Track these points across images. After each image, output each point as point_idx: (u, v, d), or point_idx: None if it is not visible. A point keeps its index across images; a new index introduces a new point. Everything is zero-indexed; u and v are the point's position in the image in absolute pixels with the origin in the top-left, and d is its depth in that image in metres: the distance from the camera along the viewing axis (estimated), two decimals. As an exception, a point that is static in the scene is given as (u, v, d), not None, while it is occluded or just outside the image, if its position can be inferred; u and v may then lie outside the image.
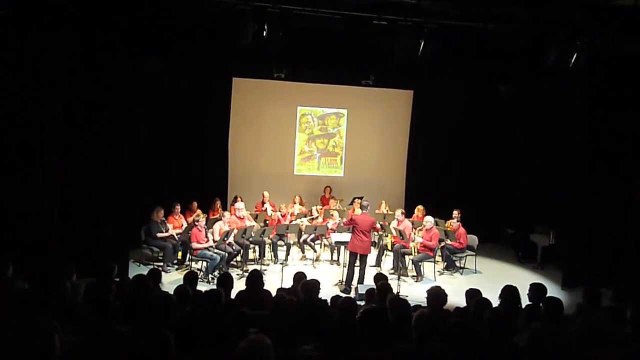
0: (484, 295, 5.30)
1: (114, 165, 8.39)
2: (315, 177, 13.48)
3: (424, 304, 5.29)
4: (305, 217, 11.33)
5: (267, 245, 10.40)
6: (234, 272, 9.19)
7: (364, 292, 7.10)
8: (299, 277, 6.23)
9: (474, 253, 10.51)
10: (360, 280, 8.76)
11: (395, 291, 6.89)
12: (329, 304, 5.69)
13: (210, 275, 9.01)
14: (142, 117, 9.82)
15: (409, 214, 11.23)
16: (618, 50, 7.97)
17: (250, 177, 12.92)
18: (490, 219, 12.16)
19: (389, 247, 10.33)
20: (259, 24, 7.44)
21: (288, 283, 6.50)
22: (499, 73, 9.79)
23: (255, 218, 10.86)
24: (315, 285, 5.53)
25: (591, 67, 8.10)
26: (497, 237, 12.36)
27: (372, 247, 11.54)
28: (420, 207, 11.33)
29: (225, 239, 9.45)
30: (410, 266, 9.95)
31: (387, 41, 7.92)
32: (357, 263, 8.85)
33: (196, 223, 9.45)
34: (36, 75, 7.03)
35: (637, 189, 8.56)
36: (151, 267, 8.93)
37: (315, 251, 10.74)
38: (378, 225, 9.93)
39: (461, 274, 10.30)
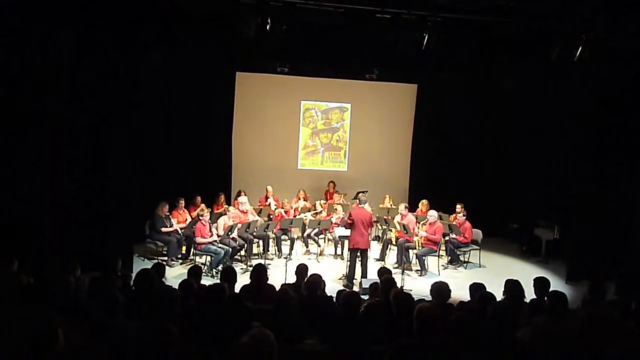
0: (488, 290, 5.29)
1: (118, 160, 8.40)
2: (319, 171, 13.47)
3: (428, 298, 5.29)
4: (309, 211, 11.34)
5: (271, 240, 10.41)
6: (238, 267, 9.21)
7: (367, 286, 7.10)
8: (302, 269, 6.24)
9: (478, 247, 10.49)
10: (364, 275, 8.77)
11: (399, 285, 6.90)
12: (334, 300, 5.70)
13: (214, 270, 9.02)
14: (146, 112, 9.82)
15: (412, 208, 11.21)
16: (624, 43, 7.92)
17: (254, 171, 12.93)
18: (495, 213, 12.13)
19: (393, 242, 10.32)
20: (261, 18, 7.43)
21: (292, 277, 6.51)
22: (503, 67, 9.76)
23: (259, 213, 10.87)
24: (317, 280, 5.54)
25: (596, 60, 8.06)
26: (501, 231, 12.33)
27: (376, 242, 11.64)
28: (424, 201, 11.29)
29: (230, 233, 9.46)
30: (414, 260, 9.95)
31: (391, 35, 7.90)
32: (358, 258, 8.84)
33: (200, 217, 9.46)
34: (38, 70, 7.03)
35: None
36: (155, 261, 8.96)
37: (319, 245, 10.74)
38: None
39: (465, 268, 10.28)
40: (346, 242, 9.70)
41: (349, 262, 8.92)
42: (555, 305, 4.69)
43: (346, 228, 8.92)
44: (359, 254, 8.80)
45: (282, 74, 11.55)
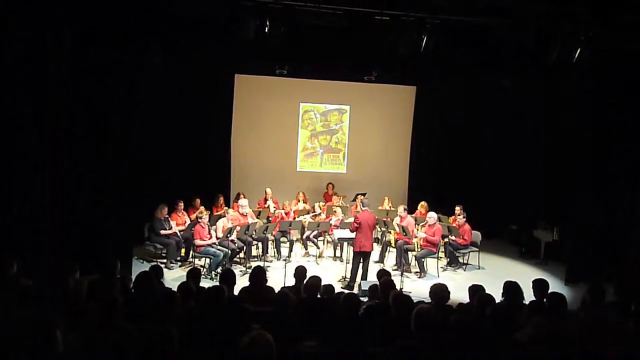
0: (487, 291, 5.29)
1: (117, 162, 8.39)
2: (318, 173, 13.48)
3: (427, 300, 5.29)
4: (308, 213, 11.34)
5: (270, 242, 10.41)
6: (237, 269, 9.20)
7: (367, 288, 7.10)
8: (300, 271, 6.24)
9: (477, 249, 10.49)
10: (364, 277, 8.77)
11: (398, 287, 6.90)
12: (333, 301, 5.69)
13: (213, 272, 9.02)
14: (145, 114, 9.82)
15: (411, 210, 11.22)
16: (622, 44, 7.92)
17: (253, 173, 12.94)
18: (493, 215, 12.14)
19: (392, 244, 10.32)
20: (261, 20, 7.43)
21: (291, 279, 6.52)
22: (501, 68, 9.76)
23: (258, 215, 10.86)
24: (317, 282, 5.54)
25: (595, 61, 8.06)
26: (501, 233, 12.34)
27: (375, 244, 11.63)
28: (423, 203, 11.30)
29: (229, 235, 9.46)
30: (413, 262, 9.95)
31: (390, 37, 7.90)
32: (361, 260, 8.84)
33: (199, 220, 9.46)
34: (38, 72, 7.02)
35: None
36: (154, 264, 8.95)
37: (318, 247, 10.74)
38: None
39: (464, 270, 10.29)
40: (345, 244, 9.71)
41: (352, 265, 8.90)
42: (554, 307, 4.69)
43: (352, 231, 8.91)
44: (362, 257, 8.81)
45: (281, 76, 11.55)
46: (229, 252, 9.35)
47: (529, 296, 5.46)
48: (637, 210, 8.53)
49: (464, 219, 10.40)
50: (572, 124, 10.20)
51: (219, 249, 9.25)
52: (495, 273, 9.95)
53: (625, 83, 8.68)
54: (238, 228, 9.61)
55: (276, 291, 5.74)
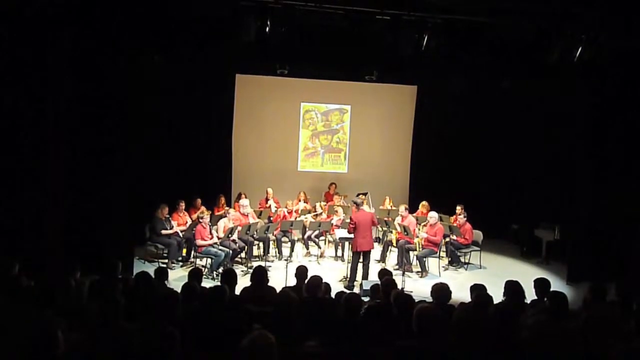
0: (488, 291, 5.29)
1: (118, 162, 8.40)
2: (319, 173, 13.47)
3: (429, 299, 5.29)
4: (309, 213, 11.34)
5: (271, 242, 10.41)
6: (239, 269, 9.21)
7: (368, 288, 7.09)
8: (301, 271, 6.24)
9: (478, 248, 10.48)
10: (365, 276, 8.77)
11: (399, 287, 6.89)
12: (335, 301, 5.69)
13: (214, 272, 9.02)
14: (146, 114, 9.82)
15: (413, 209, 11.20)
16: (624, 44, 7.91)
17: (254, 173, 12.94)
18: (495, 214, 12.12)
19: (394, 243, 10.31)
20: (261, 20, 7.43)
21: (292, 279, 6.52)
22: (503, 68, 9.76)
23: (259, 215, 10.86)
24: (318, 282, 5.53)
25: (596, 61, 8.06)
26: (502, 233, 12.33)
27: (376, 243, 11.62)
28: (424, 202, 11.28)
29: (230, 235, 9.46)
30: (414, 262, 9.95)
31: (391, 36, 7.89)
32: (361, 259, 8.84)
33: (200, 220, 9.46)
34: (38, 74, 7.03)
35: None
36: (155, 264, 8.96)
37: (319, 247, 10.74)
38: (375, 219, 9.91)
39: (466, 269, 10.28)
40: (346, 244, 9.71)
41: (350, 264, 8.91)
42: (555, 306, 4.68)
43: (350, 233, 8.89)
44: (361, 256, 8.80)
45: (282, 76, 11.54)
46: (230, 252, 9.35)
47: (530, 295, 5.46)
48: (638, 209, 8.52)
49: (465, 219, 10.40)
50: (574, 123, 10.19)
51: (220, 249, 9.25)
52: (496, 272, 9.95)
53: (626, 83, 8.66)
54: (239, 228, 9.62)
55: (277, 291, 5.73)
